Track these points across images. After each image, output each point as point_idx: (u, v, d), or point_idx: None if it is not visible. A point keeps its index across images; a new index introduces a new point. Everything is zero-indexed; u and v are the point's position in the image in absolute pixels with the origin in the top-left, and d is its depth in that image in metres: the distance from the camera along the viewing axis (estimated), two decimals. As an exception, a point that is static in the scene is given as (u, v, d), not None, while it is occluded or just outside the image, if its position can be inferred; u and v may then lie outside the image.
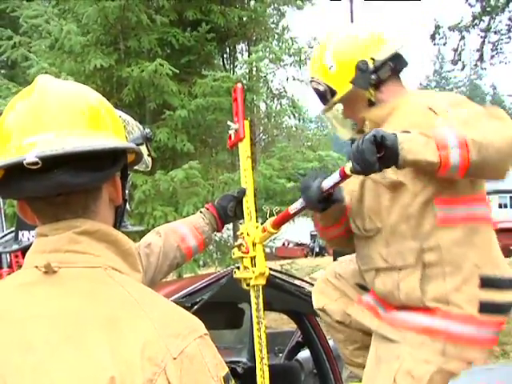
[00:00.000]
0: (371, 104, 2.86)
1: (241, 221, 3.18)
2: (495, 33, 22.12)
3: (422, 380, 2.66)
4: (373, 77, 2.82)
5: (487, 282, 2.66)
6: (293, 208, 2.96)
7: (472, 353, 2.67)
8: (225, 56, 12.62)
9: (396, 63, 2.86)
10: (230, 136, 3.21)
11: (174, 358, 1.24)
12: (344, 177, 2.58)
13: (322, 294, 3.23)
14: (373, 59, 2.81)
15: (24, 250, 1.32)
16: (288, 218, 3.07)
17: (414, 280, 2.69)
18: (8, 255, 3.75)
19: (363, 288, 3.05)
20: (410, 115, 2.72)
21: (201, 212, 3.02)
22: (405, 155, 2.36)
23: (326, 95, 2.93)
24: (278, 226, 3.07)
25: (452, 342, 2.65)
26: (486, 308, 2.65)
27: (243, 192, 3.07)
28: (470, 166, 2.40)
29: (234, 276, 3.13)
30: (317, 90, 2.96)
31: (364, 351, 3.05)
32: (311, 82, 2.98)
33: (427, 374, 2.66)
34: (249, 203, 3.07)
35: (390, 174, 2.65)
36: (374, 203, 2.82)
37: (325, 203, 2.76)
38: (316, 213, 2.96)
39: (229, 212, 3.03)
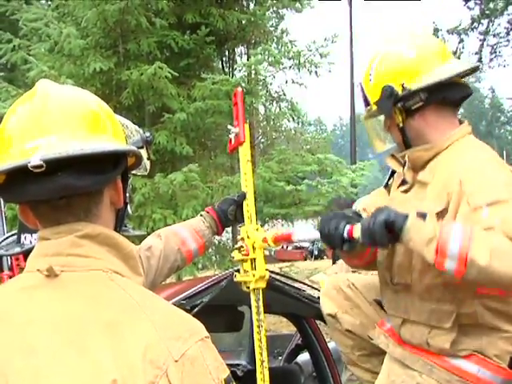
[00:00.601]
0: (401, 129, 2.74)
1: (240, 224, 3.19)
2: (494, 36, 22.19)
3: None
4: (399, 105, 2.68)
5: None
6: (298, 238, 2.96)
7: None
8: (224, 59, 12.63)
9: (436, 94, 2.67)
10: (231, 140, 3.22)
11: (176, 361, 1.25)
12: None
13: (333, 301, 3.16)
14: (403, 86, 2.66)
15: (26, 253, 1.32)
16: (289, 241, 3.09)
17: (446, 340, 2.60)
18: (9, 258, 3.75)
19: (382, 307, 2.97)
20: (447, 178, 2.56)
21: (201, 215, 3.02)
22: (407, 242, 2.32)
23: (364, 101, 2.86)
24: (278, 242, 3.07)
25: None
26: None
27: (243, 196, 3.08)
28: (464, 279, 2.31)
29: (235, 279, 3.14)
30: (361, 92, 2.88)
31: (371, 358, 3.03)
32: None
33: None
34: (249, 207, 3.08)
35: None
36: (404, 260, 2.67)
37: (348, 245, 2.55)
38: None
39: (229, 215, 3.04)
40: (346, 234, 2.49)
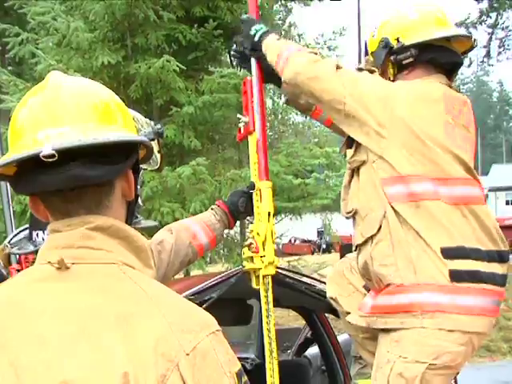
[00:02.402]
0: (392, 82, 3.03)
1: (249, 218, 3.18)
2: (502, 29, 22.12)
3: (415, 380, 2.70)
4: (391, 57, 2.99)
5: (449, 253, 2.73)
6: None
7: (459, 323, 2.70)
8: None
9: (426, 53, 2.97)
10: (240, 129, 3.22)
11: (187, 354, 1.24)
12: None
13: (336, 285, 3.30)
14: (397, 40, 2.96)
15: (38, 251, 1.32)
16: (262, 148, 3.22)
17: (384, 246, 2.83)
18: (17, 252, 3.73)
19: (369, 291, 3.11)
20: None
21: (212, 209, 3.02)
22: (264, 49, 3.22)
23: (365, 53, 3.26)
24: (266, 174, 3.19)
25: (427, 313, 2.69)
26: (457, 276, 2.71)
27: (253, 186, 3.07)
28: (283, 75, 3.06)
29: (244, 269, 3.14)
30: (364, 49, 3.29)
31: (374, 341, 3.08)
32: None
33: (418, 373, 2.70)
34: (257, 190, 3.09)
35: (355, 157, 2.99)
36: (352, 186, 3.06)
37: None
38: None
39: (240, 208, 3.04)
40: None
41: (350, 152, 3.05)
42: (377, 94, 2.89)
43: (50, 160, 1.26)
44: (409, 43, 2.95)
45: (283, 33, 13.23)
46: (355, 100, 2.87)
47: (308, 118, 15.09)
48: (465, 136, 2.95)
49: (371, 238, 2.89)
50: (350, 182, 3.09)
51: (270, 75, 3.29)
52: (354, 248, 3.09)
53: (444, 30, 3.02)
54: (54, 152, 1.25)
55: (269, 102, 14.17)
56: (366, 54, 3.20)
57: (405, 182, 2.80)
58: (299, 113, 13.54)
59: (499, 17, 21.62)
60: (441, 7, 3.11)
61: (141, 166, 1.59)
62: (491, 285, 2.77)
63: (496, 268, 2.81)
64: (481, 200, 2.91)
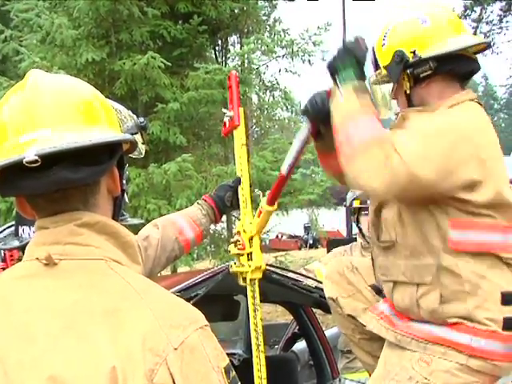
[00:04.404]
0: (408, 96, 2.80)
1: (235, 213, 3.18)
2: (487, 23, 22.18)
3: None
4: (408, 70, 2.74)
5: (507, 298, 2.60)
6: (287, 164, 3.04)
7: (495, 369, 2.62)
8: (217, 48, 12.60)
9: (445, 64, 2.73)
10: (225, 123, 3.20)
11: (175, 349, 1.25)
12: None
13: (336, 285, 3.18)
14: (413, 53, 2.72)
15: (24, 247, 1.31)
16: (282, 182, 3.10)
17: (434, 298, 2.63)
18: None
19: (378, 292, 3.02)
20: None
21: (198, 203, 3.02)
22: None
23: (373, 65, 2.92)
24: (273, 200, 3.08)
25: (475, 356, 2.58)
26: (510, 324, 2.60)
27: (239, 181, 3.07)
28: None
29: (231, 270, 3.14)
30: (371, 56, 2.91)
31: (372, 342, 3.04)
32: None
33: None
34: (244, 191, 3.08)
35: None
36: (389, 215, 2.76)
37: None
38: (315, 142, 2.93)
39: (226, 202, 3.04)
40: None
41: None
42: (466, 159, 2.52)
43: (34, 165, 1.25)
44: (426, 56, 2.70)
45: (268, 28, 13.20)
46: (445, 183, 2.51)
47: (294, 114, 15.02)
48: None
49: (417, 284, 2.67)
50: (381, 206, 2.82)
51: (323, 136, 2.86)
52: (383, 277, 2.85)
53: (462, 37, 2.81)
54: (36, 158, 1.25)
55: (254, 98, 14.16)
56: (377, 66, 2.90)
57: (480, 228, 2.59)
58: (285, 108, 13.45)
59: (483, 11, 21.70)
60: (449, 7, 2.96)
61: (126, 157, 1.58)
62: None
63: None
64: None
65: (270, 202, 3.08)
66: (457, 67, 2.77)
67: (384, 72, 2.84)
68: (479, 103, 2.79)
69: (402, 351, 2.73)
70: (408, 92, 2.80)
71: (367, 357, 3.14)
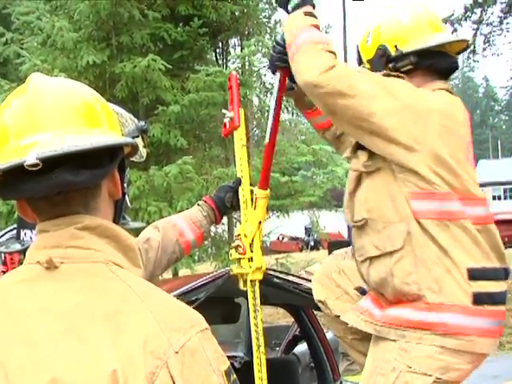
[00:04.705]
0: None
1: (236, 215, 3.19)
2: (487, 25, 22.16)
3: None
4: (390, 65, 2.91)
5: (474, 274, 2.69)
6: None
7: (474, 346, 2.68)
8: (217, 51, 12.61)
9: (425, 59, 2.89)
10: (225, 124, 3.21)
11: (176, 352, 1.25)
12: None
13: (324, 288, 3.26)
14: (396, 47, 2.89)
15: (26, 250, 1.31)
16: (268, 152, 3.21)
17: (406, 264, 2.73)
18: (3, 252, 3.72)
19: (363, 293, 3.08)
20: None
21: (198, 205, 3.02)
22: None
23: (357, 62, 3.11)
24: (265, 181, 3.14)
25: (450, 334, 2.66)
26: (479, 299, 2.68)
27: (239, 182, 3.07)
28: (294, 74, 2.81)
29: (231, 273, 3.14)
30: (356, 54, 3.14)
31: (364, 342, 3.07)
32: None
33: None
34: (244, 191, 3.08)
35: (369, 162, 2.83)
36: (362, 195, 2.90)
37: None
38: (294, 98, 3.33)
39: (226, 203, 3.04)
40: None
41: (362, 156, 2.87)
42: (409, 106, 2.73)
43: (35, 168, 1.26)
44: (407, 50, 2.87)
45: (268, 30, 13.19)
46: (386, 117, 2.70)
47: (295, 115, 15.03)
48: (471, 151, 2.93)
49: (391, 253, 2.77)
50: (355, 188, 2.94)
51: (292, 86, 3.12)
52: (360, 258, 2.95)
53: (441, 34, 3.00)
54: (37, 161, 1.25)
55: (255, 100, 14.16)
56: (360, 61, 3.07)
57: (436, 198, 2.71)
58: (285, 110, 13.47)
59: (484, 13, 21.68)
60: (430, 8, 3.09)
61: (126, 162, 1.58)
62: (502, 305, 2.77)
63: (502, 286, 2.80)
64: (493, 219, 2.89)
65: (263, 185, 3.12)
66: (436, 62, 2.93)
67: (368, 66, 3.00)
68: (450, 92, 2.96)
69: (385, 344, 2.80)
70: None
71: (361, 357, 3.17)
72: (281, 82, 3.09)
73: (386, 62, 2.91)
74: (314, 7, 2.93)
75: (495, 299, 2.74)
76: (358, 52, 3.09)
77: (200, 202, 3.04)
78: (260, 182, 3.14)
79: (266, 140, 3.18)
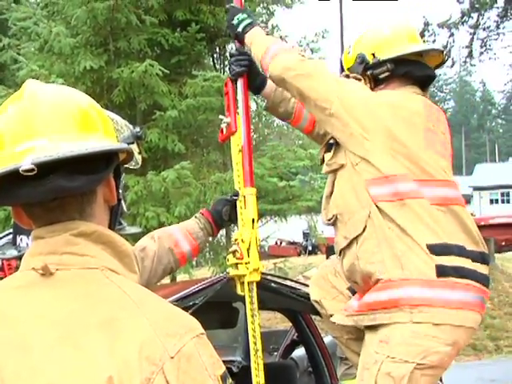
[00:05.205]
0: None
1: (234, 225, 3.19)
2: (484, 29, 22.22)
3: (402, 379, 2.72)
4: (368, 72, 3.10)
5: (434, 249, 2.78)
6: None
7: (444, 317, 2.73)
8: (215, 56, 12.59)
9: (401, 67, 3.09)
10: (222, 130, 3.23)
11: (172, 358, 1.25)
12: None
13: (320, 289, 3.37)
14: (373, 55, 3.09)
15: (22, 256, 1.31)
16: (246, 154, 3.22)
17: (368, 246, 2.87)
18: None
19: (354, 293, 3.15)
20: None
21: (196, 217, 3.04)
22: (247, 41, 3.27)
23: (340, 72, 3.33)
24: (250, 181, 3.17)
25: (416, 307, 2.73)
26: (443, 271, 2.75)
27: (237, 195, 3.09)
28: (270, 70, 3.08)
29: (228, 275, 3.14)
30: (339, 67, 3.42)
31: (359, 342, 3.12)
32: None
33: (407, 372, 2.72)
34: (241, 196, 3.09)
35: (332, 160, 3.06)
36: (335, 195, 3.08)
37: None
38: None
39: (224, 216, 3.06)
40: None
41: (328, 155, 3.11)
42: (362, 97, 2.97)
43: (30, 174, 1.26)
44: (384, 58, 3.07)
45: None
46: (341, 101, 2.92)
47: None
48: (443, 142, 3.05)
49: (356, 239, 2.92)
50: (331, 192, 3.12)
51: (253, 79, 3.37)
52: (337, 254, 3.12)
53: (417, 45, 3.20)
54: (33, 166, 1.25)
55: (253, 105, 14.18)
56: (342, 71, 3.30)
57: (390, 181, 2.85)
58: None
59: (481, 17, 21.74)
60: (411, 24, 3.35)
61: (122, 168, 1.59)
62: (475, 281, 2.81)
63: (479, 268, 2.85)
64: (461, 202, 2.99)
65: (247, 183, 3.15)
66: (412, 70, 3.12)
67: (347, 73, 3.19)
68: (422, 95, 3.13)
69: (367, 339, 2.91)
70: None
71: (356, 357, 3.20)
72: (243, 87, 3.30)
73: (364, 69, 3.11)
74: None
75: (463, 273, 2.79)
76: (341, 64, 3.32)
77: (197, 215, 3.06)
78: (244, 181, 3.17)
79: (242, 143, 3.23)
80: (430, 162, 2.91)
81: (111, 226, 1.50)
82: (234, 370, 5.41)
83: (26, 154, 1.30)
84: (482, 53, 22.69)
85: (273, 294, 4.03)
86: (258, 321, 3.08)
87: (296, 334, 5.70)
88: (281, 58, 3.05)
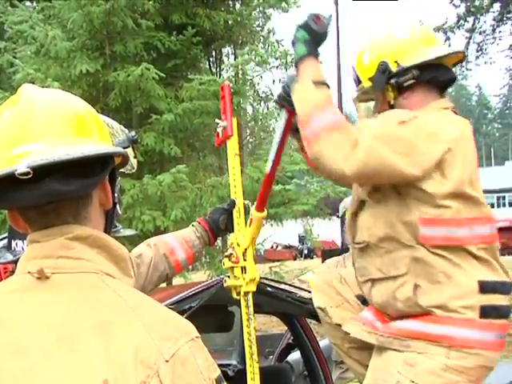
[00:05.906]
0: (391, 107, 2.91)
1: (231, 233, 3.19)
2: (480, 33, 22.28)
3: None
4: (392, 81, 2.87)
5: (485, 287, 2.68)
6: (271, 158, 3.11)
7: (479, 359, 2.67)
8: (211, 59, 12.61)
9: (426, 73, 2.87)
10: (218, 134, 3.22)
11: (167, 361, 1.25)
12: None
13: (325, 295, 3.25)
14: (397, 63, 2.86)
15: (17, 261, 1.32)
16: (268, 181, 3.16)
17: (409, 289, 2.72)
18: (-5, 263, 3.70)
19: (363, 301, 3.08)
20: None
21: (193, 225, 3.04)
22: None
23: (355, 82, 3.06)
24: (262, 205, 3.12)
25: (456, 347, 2.64)
26: (486, 312, 2.67)
27: (233, 204, 3.09)
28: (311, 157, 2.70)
29: (225, 285, 3.14)
30: (352, 74, 3.08)
31: (361, 351, 3.07)
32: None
33: None
34: (237, 200, 3.10)
35: (375, 192, 2.82)
36: (364, 217, 2.89)
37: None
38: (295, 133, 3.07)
39: (220, 225, 3.06)
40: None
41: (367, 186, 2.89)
42: (431, 152, 2.67)
43: (26, 177, 1.26)
44: (409, 65, 2.85)
45: (262, 39, 13.20)
46: (414, 169, 2.64)
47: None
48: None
49: (394, 277, 2.77)
50: (357, 211, 2.94)
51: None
52: (362, 278, 2.95)
53: (439, 47, 2.99)
54: (28, 170, 1.26)
55: (249, 109, 14.19)
56: (359, 81, 3.03)
57: (446, 224, 2.69)
58: (279, 119, 13.52)
59: (476, 21, 21.79)
60: (425, 24, 3.11)
61: (117, 172, 1.59)
62: (506, 319, 2.75)
63: (508, 301, 2.79)
64: (497, 237, 2.85)
65: (259, 208, 3.11)
66: (437, 75, 2.91)
67: (367, 85, 2.96)
68: (454, 112, 2.92)
69: (388, 356, 2.79)
70: (392, 103, 2.91)
71: (357, 366, 3.17)
72: (287, 120, 3.04)
73: (387, 78, 2.88)
74: (317, 56, 2.87)
75: (501, 312, 2.73)
76: (355, 72, 3.05)
77: (194, 223, 3.06)
78: (257, 205, 3.12)
79: (268, 170, 3.14)
80: (482, 197, 2.78)
81: (107, 230, 1.50)
82: (230, 373, 5.41)
83: (22, 157, 1.30)
84: (478, 57, 22.74)
85: (268, 298, 4.04)
86: (254, 324, 3.08)
87: (291, 338, 5.70)
88: (326, 153, 2.61)
